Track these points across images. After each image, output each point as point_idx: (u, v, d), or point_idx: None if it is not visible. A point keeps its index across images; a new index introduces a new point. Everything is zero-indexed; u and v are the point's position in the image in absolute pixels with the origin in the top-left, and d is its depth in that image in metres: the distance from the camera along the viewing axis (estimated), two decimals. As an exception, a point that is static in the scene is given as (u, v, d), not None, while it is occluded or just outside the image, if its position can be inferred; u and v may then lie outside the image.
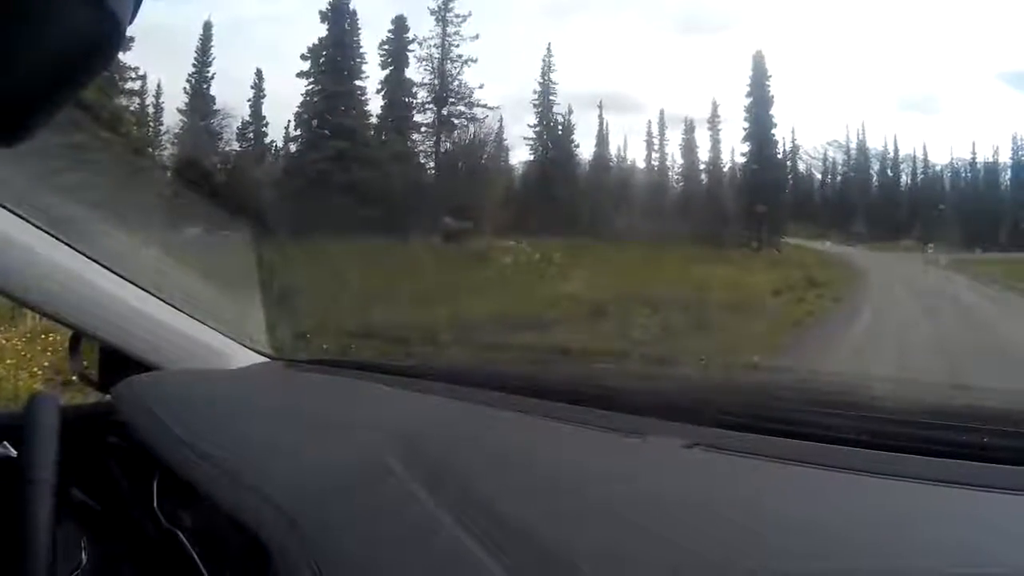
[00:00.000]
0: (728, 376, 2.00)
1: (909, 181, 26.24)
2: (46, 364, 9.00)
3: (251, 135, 25.10)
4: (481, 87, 25.18)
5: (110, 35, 0.83)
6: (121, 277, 2.25)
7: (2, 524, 1.64)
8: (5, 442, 1.96)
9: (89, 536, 1.97)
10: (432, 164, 25.32)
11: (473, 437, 1.63)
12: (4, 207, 1.96)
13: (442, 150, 25.23)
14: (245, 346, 2.53)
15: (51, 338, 8.47)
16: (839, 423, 1.33)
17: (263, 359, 2.54)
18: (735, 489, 1.22)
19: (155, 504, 1.89)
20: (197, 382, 2.32)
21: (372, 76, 25.03)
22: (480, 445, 1.57)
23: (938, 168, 26.25)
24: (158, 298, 2.33)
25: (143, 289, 2.30)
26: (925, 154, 26.30)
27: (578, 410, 1.64)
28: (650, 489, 1.24)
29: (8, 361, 9.23)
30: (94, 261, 2.20)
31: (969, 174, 25.93)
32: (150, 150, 22.83)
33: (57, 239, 2.11)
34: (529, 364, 2.74)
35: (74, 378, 2.79)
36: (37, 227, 2.06)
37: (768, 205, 23.34)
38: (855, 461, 1.19)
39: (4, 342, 9.50)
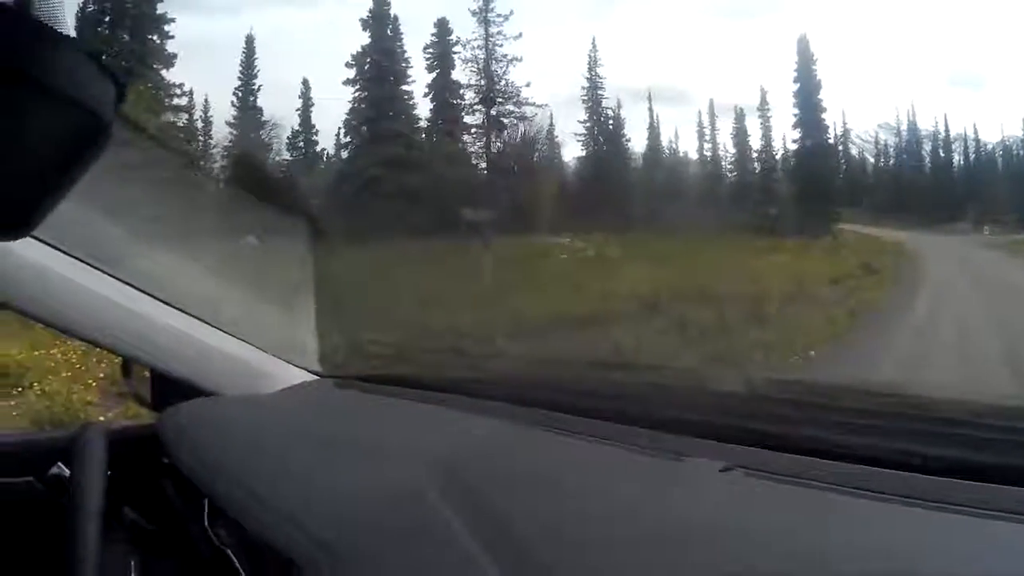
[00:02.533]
0: (771, 390, 1.88)
1: (962, 161, 25.72)
2: (101, 376, 9.13)
3: (301, 144, 25.29)
4: (528, 85, 25.07)
5: (95, 131, 0.96)
6: (167, 304, 2.28)
7: (53, 544, 1.77)
8: (59, 463, 2.09)
9: (139, 556, 2.03)
10: (484, 164, 25.31)
11: (513, 463, 1.64)
12: (41, 240, 1.99)
13: (493, 150, 25.21)
14: (294, 364, 2.52)
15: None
16: (893, 445, 1.25)
17: (312, 376, 2.53)
18: (773, 518, 1.17)
19: (206, 523, 1.92)
20: (241, 408, 2.33)
21: (419, 80, 25.08)
22: (519, 472, 1.57)
23: (990, 147, 25.69)
24: (205, 322, 2.35)
25: (189, 314, 2.32)
26: (976, 133, 25.77)
27: (620, 429, 1.62)
28: (684, 517, 1.21)
29: (64, 375, 9.41)
30: (139, 290, 2.23)
31: (1022, 151, 25.36)
32: (201, 164, 23.04)
33: (100, 270, 2.15)
34: (577, 376, 2.69)
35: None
36: (79, 260, 2.10)
37: (821, 191, 23.08)
38: (910, 488, 1.12)
39: (60, 356, 9.68)
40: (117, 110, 0.97)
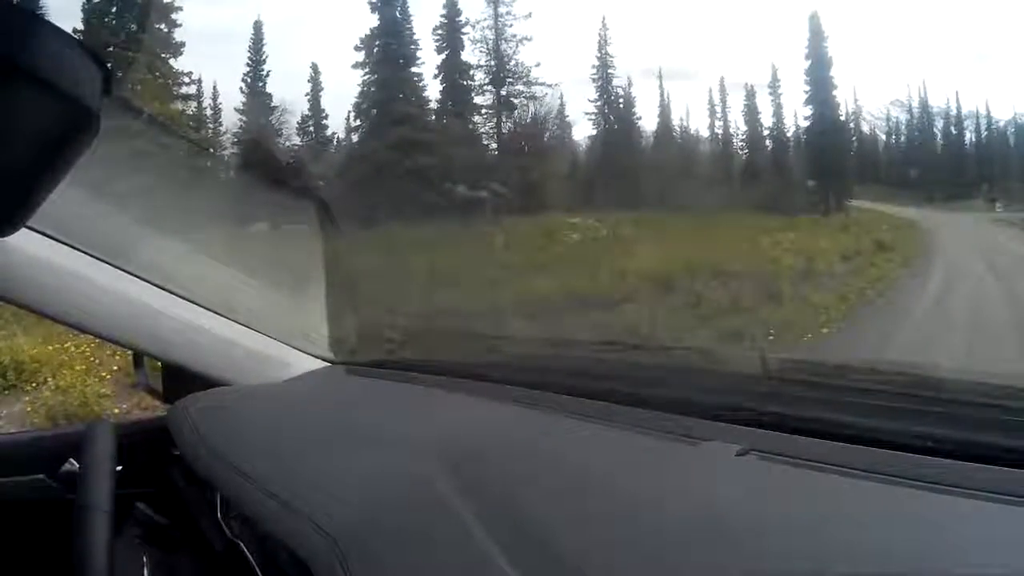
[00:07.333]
0: (786, 371, 1.82)
1: (973, 138, 25.46)
2: (115, 368, 9.17)
3: (311, 128, 25.19)
4: (538, 65, 24.94)
5: (82, 120, 0.94)
6: (175, 295, 2.27)
7: (66, 541, 1.76)
8: (71, 459, 2.08)
9: (152, 550, 2.04)
10: (495, 145, 25.25)
11: (527, 449, 1.61)
12: (46, 234, 1.99)
13: (504, 131, 25.14)
14: (305, 352, 2.51)
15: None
16: (911, 428, 1.22)
17: (323, 364, 2.52)
18: (790, 503, 1.16)
19: (219, 515, 1.92)
20: (251, 398, 2.32)
21: (428, 62, 24.98)
22: (533, 459, 1.55)
23: (1001, 123, 25.43)
24: (214, 312, 2.34)
25: (198, 304, 2.32)
26: (988, 110, 25.50)
27: (635, 413, 1.61)
28: (702, 504, 1.19)
29: (77, 367, 9.44)
30: (147, 281, 2.22)
31: (1033, 128, 25.02)
32: (210, 151, 22.94)
33: (107, 263, 2.14)
34: (591, 358, 2.65)
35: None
36: (85, 252, 2.09)
37: (833, 168, 22.98)
38: (928, 472, 1.10)
39: (74, 349, 9.70)
40: (105, 97, 0.95)
